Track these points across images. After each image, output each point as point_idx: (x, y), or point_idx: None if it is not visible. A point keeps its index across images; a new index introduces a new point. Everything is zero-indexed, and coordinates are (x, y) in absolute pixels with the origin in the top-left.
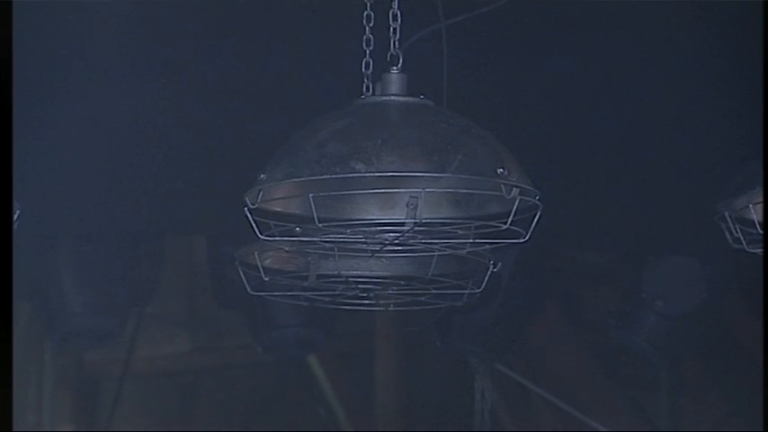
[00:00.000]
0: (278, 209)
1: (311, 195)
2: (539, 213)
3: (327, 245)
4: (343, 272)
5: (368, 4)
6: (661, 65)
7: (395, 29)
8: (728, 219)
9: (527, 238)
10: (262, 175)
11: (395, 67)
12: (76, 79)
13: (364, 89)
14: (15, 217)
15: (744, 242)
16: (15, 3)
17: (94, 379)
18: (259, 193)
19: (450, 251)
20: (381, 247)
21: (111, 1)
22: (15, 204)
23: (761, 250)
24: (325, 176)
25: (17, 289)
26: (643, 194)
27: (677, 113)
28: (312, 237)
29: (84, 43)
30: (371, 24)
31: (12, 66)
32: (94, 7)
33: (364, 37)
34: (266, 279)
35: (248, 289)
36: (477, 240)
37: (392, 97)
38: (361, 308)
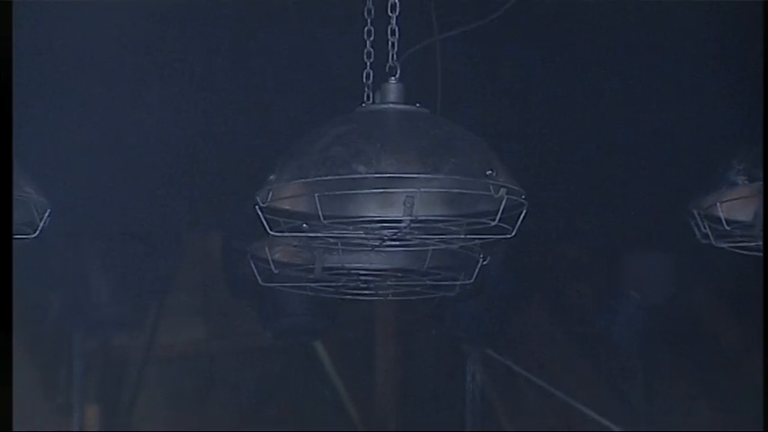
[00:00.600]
0: (286, 207)
1: (317, 195)
2: (524, 211)
3: (331, 240)
4: (345, 265)
5: (369, 20)
6: (639, 80)
7: (393, 43)
8: (697, 216)
9: (513, 233)
10: (271, 177)
11: (393, 78)
12: (104, 85)
13: (365, 97)
14: (46, 215)
15: (711, 237)
16: (16, 3)
17: (119, 362)
18: (269, 193)
19: (443, 246)
20: (381, 242)
21: (132, 6)
22: (46, 203)
23: (727, 245)
24: (329, 177)
25: (49, 280)
26: (621, 196)
27: (653, 125)
28: (317, 233)
29: (108, 47)
30: (372, 39)
31: (12, 66)
32: (114, 9)
33: (365, 50)
34: (276, 271)
35: (259, 280)
36: (467, 236)
37: (390, 105)
38: (363, 298)
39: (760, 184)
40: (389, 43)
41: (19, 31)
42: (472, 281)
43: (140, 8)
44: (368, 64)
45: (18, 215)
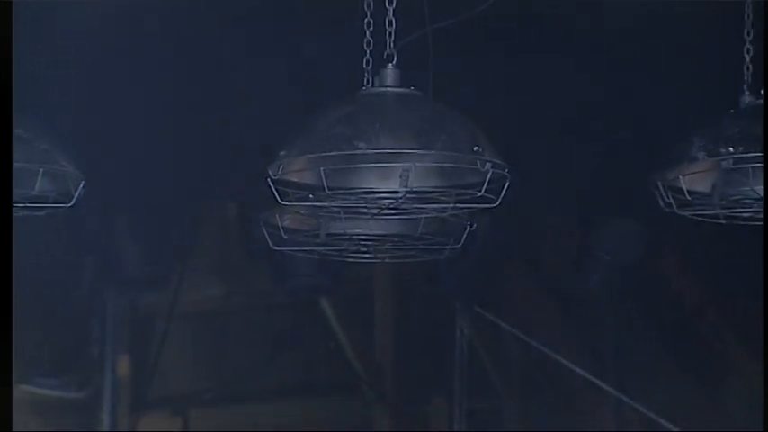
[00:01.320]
0: (295, 179)
1: (322, 168)
2: (507, 183)
3: (335, 209)
4: (347, 231)
5: (368, 13)
6: (612, 67)
7: (390, 33)
8: (661, 188)
9: (498, 203)
10: (282, 152)
11: (390, 64)
12: (133, 69)
13: (365, 82)
14: (81, 186)
15: (674, 206)
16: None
17: (147, 317)
18: (279, 167)
19: (434, 214)
20: (379, 211)
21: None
22: (80, 176)
23: (688, 213)
24: (333, 153)
25: (85, 245)
26: (594, 169)
27: (623, 107)
28: (322, 202)
29: (137, 34)
30: (371, 29)
31: (12, 66)
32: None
33: (365, 39)
34: (285, 237)
35: (271, 245)
36: (456, 205)
37: (388, 89)
38: (363, 260)
39: (717, 159)
40: (387, 33)
41: (52, 14)
42: (460, 245)
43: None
44: (367, 52)
45: (56, 186)
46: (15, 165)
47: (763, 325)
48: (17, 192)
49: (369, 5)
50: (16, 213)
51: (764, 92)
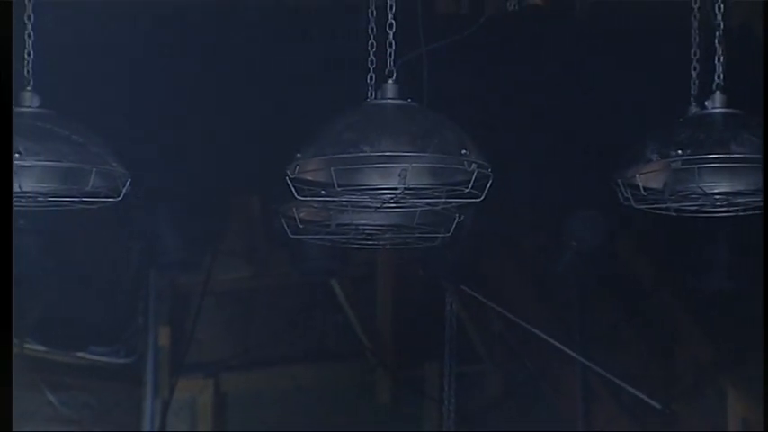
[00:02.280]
0: (309, 178)
1: (332, 168)
2: (490, 181)
3: (343, 203)
4: (354, 222)
5: (371, 36)
6: (581, 81)
7: (390, 53)
8: (621, 185)
9: (482, 198)
10: (298, 155)
11: (390, 80)
12: (171, 78)
13: (369, 95)
14: (128, 183)
15: (632, 201)
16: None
17: (184, 294)
18: (296, 167)
19: (428, 207)
20: (381, 205)
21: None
22: (127, 174)
23: (644, 206)
24: (341, 155)
25: (131, 233)
26: (565, 169)
27: (588, 115)
28: (333, 197)
29: (166, 43)
30: (374, 50)
31: (12, 66)
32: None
33: (369, 58)
34: (301, 226)
35: (289, 233)
36: (447, 200)
37: (388, 101)
38: (367, 247)
39: (668, 160)
40: (388, 53)
41: (93, 24)
42: (450, 234)
43: (198, 13)
44: (371, 69)
45: (106, 183)
46: (72, 165)
47: (763, 324)
48: (74, 189)
49: (372, 30)
50: (73, 207)
51: (764, 91)
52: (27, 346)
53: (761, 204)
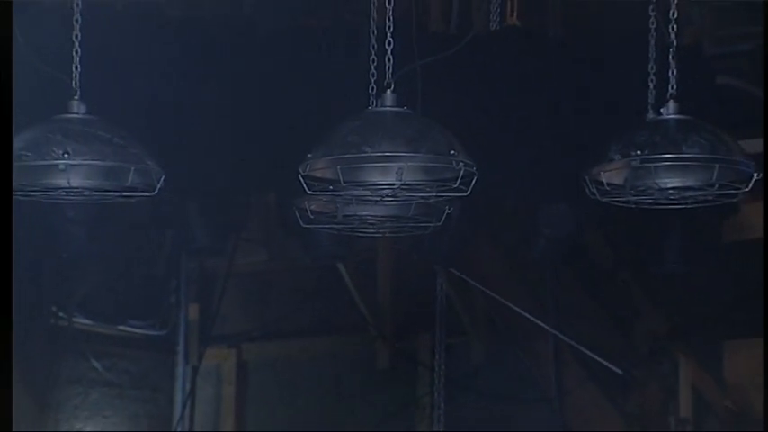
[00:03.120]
0: (318, 175)
1: (339, 167)
2: (475, 178)
3: (348, 197)
4: (358, 213)
5: (372, 52)
6: (555, 90)
7: (389, 66)
8: (587, 180)
9: (468, 192)
10: (309, 155)
11: (389, 90)
12: (199, 87)
13: (370, 103)
14: (162, 179)
15: (597, 194)
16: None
17: (210, 276)
18: (307, 166)
19: (421, 200)
20: (381, 199)
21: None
22: (160, 171)
23: (607, 199)
24: (347, 155)
25: (163, 223)
26: (540, 167)
27: (561, 122)
28: (339, 192)
29: (194, 66)
30: (375, 64)
31: (12, 66)
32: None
33: (370, 71)
34: (311, 217)
35: (301, 223)
36: (438, 194)
37: (387, 108)
38: (369, 234)
39: (628, 159)
40: (386, 67)
41: (131, 42)
42: (441, 223)
43: (224, 32)
44: (372, 81)
45: (143, 180)
46: (113, 164)
47: (764, 323)
48: (115, 184)
49: (373, 47)
50: (114, 200)
51: (764, 91)
52: (75, 320)
53: (708, 198)
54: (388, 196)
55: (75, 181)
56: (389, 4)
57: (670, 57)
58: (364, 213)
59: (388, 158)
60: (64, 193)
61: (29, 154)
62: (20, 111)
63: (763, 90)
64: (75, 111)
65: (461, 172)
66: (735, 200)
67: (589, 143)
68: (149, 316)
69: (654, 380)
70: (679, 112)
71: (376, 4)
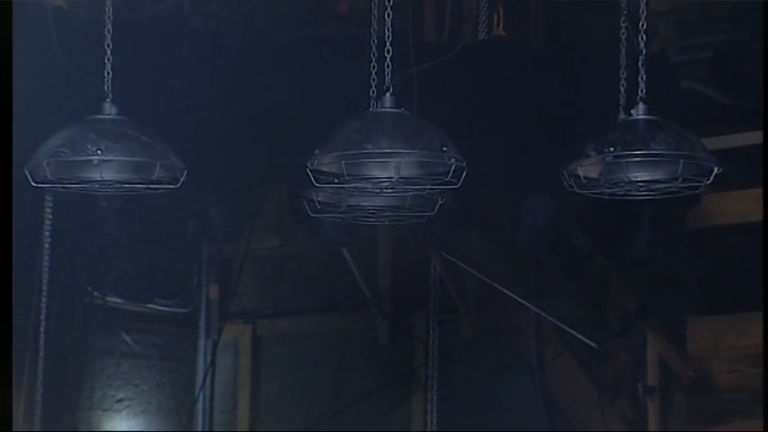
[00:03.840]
0: (325, 169)
1: (343, 162)
2: (465, 172)
3: (351, 189)
4: (360, 203)
5: (373, 59)
6: (537, 96)
7: (388, 72)
8: (565, 174)
9: (458, 185)
10: (316, 151)
11: (388, 93)
12: (218, 89)
13: (371, 105)
14: (184, 173)
15: (574, 187)
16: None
17: (228, 260)
18: (315, 161)
19: (417, 192)
20: (380, 190)
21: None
22: (183, 166)
23: (583, 192)
24: (350, 152)
25: (188, 212)
26: (523, 162)
27: (544, 122)
28: (343, 185)
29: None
30: (375, 70)
31: (12, 66)
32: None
33: (371, 76)
34: (319, 207)
35: (309, 212)
36: (432, 187)
37: (386, 110)
38: (370, 223)
39: (602, 155)
40: (386, 72)
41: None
42: (434, 213)
43: (242, 40)
44: (373, 85)
45: (167, 174)
46: (141, 160)
47: (763, 322)
48: (143, 178)
49: (374, 54)
50: (142, 192)
51: (764, 91)
52: (108, 299)
53: (673, 190)
54: (387, 188)
55: (108, 175)
56: (389, 16)
57: (639, 64)
58: (366, 204)
59: (387, 155)
60: (97, 186)
61: (66, 151)
62: (57, 112)
63: (763, 88)
64: (107, 112)
65: (453, 167)
66: (697, 192)
67: (567, 141)
68: (174, 295)
69: (624, 352)
70: (647, 113)
71: (377, 17)
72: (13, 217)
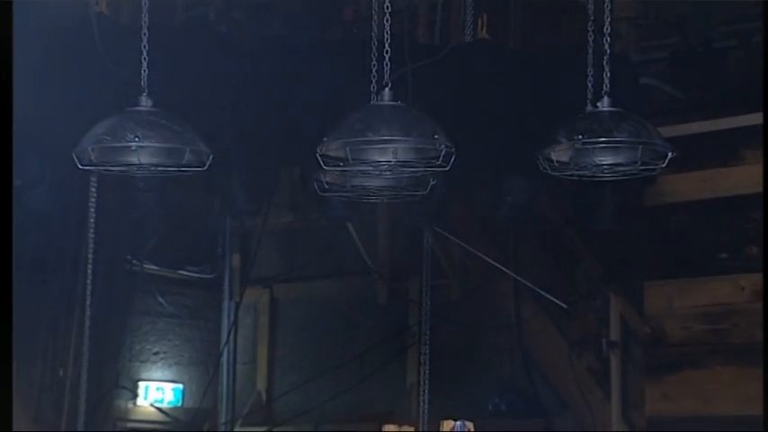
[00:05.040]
0: (332, 154)
1: (347, 147)
2: (454, 156)
3: (355, 171)
4: (362, 184)
5: (374, 58)
6: (516, 89)
7: (387, 69)
8: (540, 158)
9: (448, 168)
10: (325, 138)
11: (387, 88)
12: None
13: (372, 98)
14: (210, 157)
15: (548, 169)
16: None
17: (249, 233)
18: (324, 147)
19: (412, 174)
20: (380, 172)
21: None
22: (209, 151)
23: (556, 173)
24: (354, 139)
25: (213, 190)
26: (504, 148)
27: (522, 114)
28: (348, 167)
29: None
30: (376, 67)
31: (12, 66)
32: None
33: (372, 73)
34: (327, 187)
35: (318, 192)
36: (424, 169)
37: (385, 102)
38: (371, 200)
39: (572, 141)
40: (385, 70)
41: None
42: (427, 192)
43: (261, 40)
44: (373, 81)
45: (195, 158)
46: (173, 146)
47: (764, 325)
48: (174, 161)
49: (374, 54)
50: (174, 174)
51: (764, 90)
52: (145, 266)
53: (633, 172)
54: (385, 171)
55: (144, 159)
56: (387, 22)
57: (604, 62)
58: (367, 184)
59: (385, 141)
60: (135, 169)
61: (108, 138)
62: (100, 104)
63: (763, 86)
64: (144, 104)
65: (443, 152)
66: (654, 173)
67: (541, 129)
68: (202, 263)
69: (590, 312)
70: (611, 106)
71: (377, 22)
72: (13, 217)
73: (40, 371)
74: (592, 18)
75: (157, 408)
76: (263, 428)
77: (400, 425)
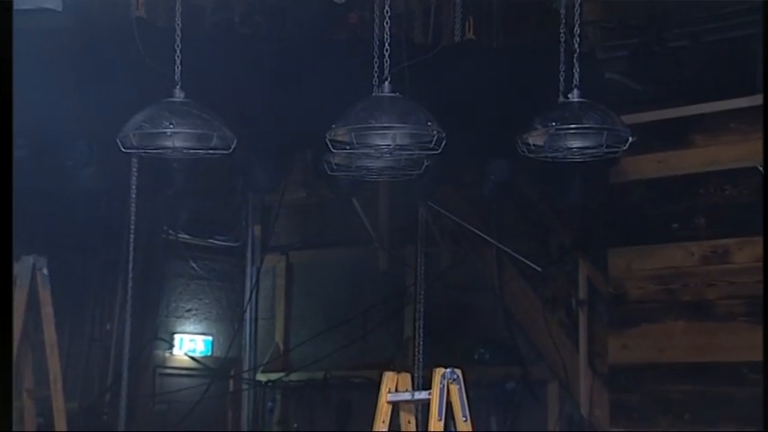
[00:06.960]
0: (339, 139)
1: (353, 133)
2: (444, 141)
3: (359, 154)
4: (365, 164)
5: (375, 56)
6: (500, 82)
7: (387, 65)
8: (519, 142)
9: (440, 151)
10: (333, 125)
11: (386, 82)
12: (252, 90)
13: (374, 91)
14: (234, 142)
15: (526, 152)
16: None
17: (268, 207)
18: (332, 132)
19: (408, 156)
20: (381, 155)
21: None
22: (234, 137)
23: (533, 156)
24: (358, 126)
25: (237, 170)
26: (488, 134)
27: (503, 102)
28: (353, 150)
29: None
30: (378, 64)
31: (12, 66)
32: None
33: (374, 69)
34: (335, 167)
35: (328, 171)
36: (419, 152)
37: (385, 94)
38: (373, 179)
39: (547, 128)
40: (385, 66)
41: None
42: (421, 172)
43: (276, 43)
44: (375, 75)
45: (222, 142)
46: (202, 132)
47: (764, 322)
48: (204, 145)
49: (376, 52)
50: (203, 156)
51: (764, 91)
52: (180, 235)
53: (599, 154)
54: (386, 153)
55: (177, 143)
56: (387, 24)
57: (574, 59)
58: (370, 165)
59: (386, 128)
60: (170, 152)
61: (147, 125)
62: (140, 96)
63: (764, 86)
64: (177, 96)
65: (435, 137)
66: (617, 155)
67: (521, 117)
68: (228, 233)
69: (562, 275)
70: (580, 97)
71: (378, 24)
72: (13, 217)
73: (90, 325)
74: (563, 21)
75: (190, 356)
76: (281, 374)
77: (398, 372)
